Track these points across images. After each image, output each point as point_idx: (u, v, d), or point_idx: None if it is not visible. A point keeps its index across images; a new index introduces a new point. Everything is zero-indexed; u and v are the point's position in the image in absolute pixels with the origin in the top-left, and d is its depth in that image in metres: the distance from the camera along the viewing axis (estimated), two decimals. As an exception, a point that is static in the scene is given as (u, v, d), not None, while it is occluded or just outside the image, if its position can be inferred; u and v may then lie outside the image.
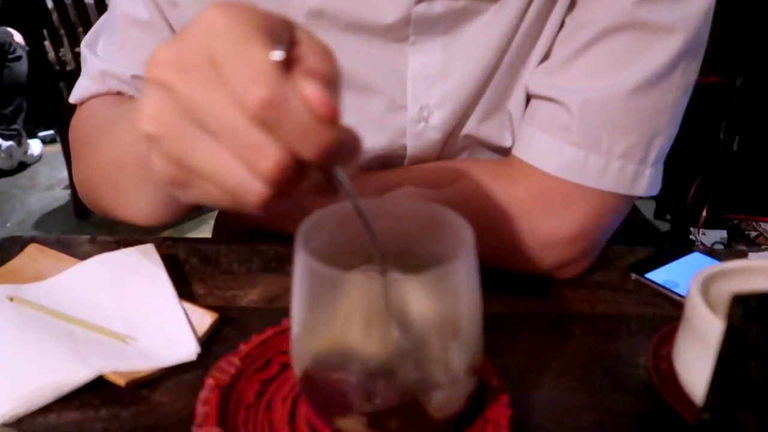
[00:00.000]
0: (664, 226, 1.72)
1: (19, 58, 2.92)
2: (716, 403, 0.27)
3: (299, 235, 0.32)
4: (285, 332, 0.44)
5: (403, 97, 0.55)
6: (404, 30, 0.52)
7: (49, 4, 2.20)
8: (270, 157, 0.26)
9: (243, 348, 0.42)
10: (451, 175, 0.55)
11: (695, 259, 0.58)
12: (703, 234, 1.13)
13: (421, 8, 0.51)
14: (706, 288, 0.41)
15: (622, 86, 0.48)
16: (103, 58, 0.58)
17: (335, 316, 0.32)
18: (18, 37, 2.96)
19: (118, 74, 0.57)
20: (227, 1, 0.28)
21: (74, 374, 0.41)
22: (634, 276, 0.56)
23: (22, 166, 3.00)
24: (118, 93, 0.58)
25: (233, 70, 0.26)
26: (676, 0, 0.47)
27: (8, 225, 2.50)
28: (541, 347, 0.48)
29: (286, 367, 0.42)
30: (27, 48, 2.86)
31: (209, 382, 0.39)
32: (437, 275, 0.32)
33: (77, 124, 0.60)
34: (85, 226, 2.50)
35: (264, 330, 0.46)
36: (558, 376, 0.45)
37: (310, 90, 0.26)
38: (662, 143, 0.50)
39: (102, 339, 0.46)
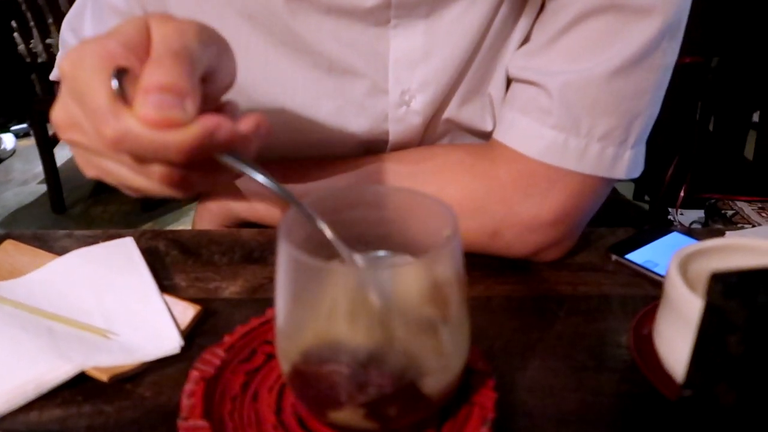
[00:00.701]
0: (643, 207, 1.74)
1: (-13, 51, 2.84)
2: (696, 379, 0.28)
3: (282, 227, 0.32)
4: (269, 322, 0.44)
5: (385, 81, 0.55)
6: (385, 13, 0.52)
7: (18, -5, 2.14)
8: (154, 171, 0.34)
9: (227, 339, 0.42)
10: (433, 160, 0.55)
11: (674, 239, 0.59)
12: (681, 214, 1.15)
13: None
14: (684, 267, 0.42)
15: (602, 68, 0.48)
16: None
17: (322, 307, 0.32)
18: (-14, 29, 2.89)
19: None
20: (75, 46, 0.33)
21: (55, 370, 0.41)
22: (614, 257, 0.57)
23: (-4, 160, 2.95)
24: None
25: (87, 118, 0.33)
26: None
27: (-17, 221, 2.45)
28: (525, 329, 0.48)
29: (271, 357, 0.42)
30: (-5, 40, 2.79)
31: (194, 374, 0.39)
32: (425, 262, 0.32)
33: None
34: (63, 221, 2.46)
35: (248, 321, 0.46)
36: (542, 357, 0.45)
37: (143, 111, 0.31)
38: (642, 125, 0.51)
39: (83, 335, 0.45)
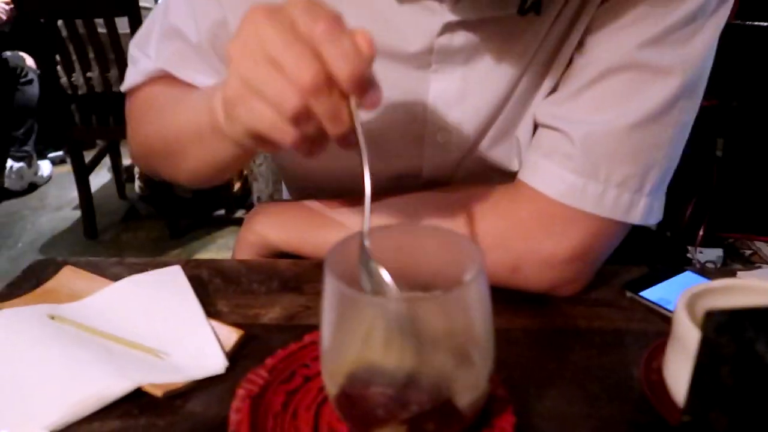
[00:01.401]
0: (664, 244, 1.75)
1: (30, 82, 2.99)
2: (694, 406, 0.31)
3: (327, 261, 0.36)
4: (307, 347, 0.48)
5: (423, 120, 0.61)
6: (427, 58, 0.58)
7: (63, 32, 2.26)
8: (311, 69, 0.37)
9: (269, 361, 0.46)
10: (461, 197, 0.59)
11: (687, 277, 0.62)
12: (701, 252, 1.17)
13: (443, 40, 0.56)
14: (692, 305, 0.45)
15: (623, 121, 0.53)
16: (154, 58, 0.65)
17: (364, 335, 0.36)
18: (30, 61, 3.04)
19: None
20: None
21: (115, 386, 0.45)
22: (629, 294, 0.60)
23: (32, 186, 3.06)
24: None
25: (305, 19, 0.38)
26: (678, 43, 0.52)
27: (20, 245, 2.54)
28: (542, 360, 0.51)
29: (308, 379, 0.46)
30: (38, 71, 2.93)
31: (240, 392, 0.43)
32: (457, 294, 0.36)
33: (136, 101, 0.69)
34: (94, 246, 2.55)
35: (287, 345, 0.50)
36: (558, 387, 0.48)
37: (360, 31, 0.37)
38: (658, 175, 0.55)
39: (137, 354, 0.50)
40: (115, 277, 0.60)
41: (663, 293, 0.59)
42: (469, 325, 0.37)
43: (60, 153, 3.28)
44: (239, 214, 2.60)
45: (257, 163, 1.78)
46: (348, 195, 0.64)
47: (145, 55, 0.67)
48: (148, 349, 0.50)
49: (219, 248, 2.41)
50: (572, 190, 0.55)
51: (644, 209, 0.56)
